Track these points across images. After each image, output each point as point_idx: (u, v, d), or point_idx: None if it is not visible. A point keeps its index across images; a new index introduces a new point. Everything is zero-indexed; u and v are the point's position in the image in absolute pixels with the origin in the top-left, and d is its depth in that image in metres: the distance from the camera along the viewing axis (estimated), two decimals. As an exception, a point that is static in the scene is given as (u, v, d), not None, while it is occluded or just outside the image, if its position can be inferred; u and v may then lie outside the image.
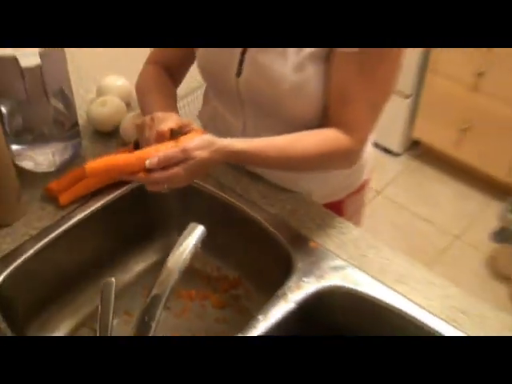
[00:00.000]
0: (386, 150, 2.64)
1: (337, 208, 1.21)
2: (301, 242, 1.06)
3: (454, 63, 2.27)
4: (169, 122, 0.97)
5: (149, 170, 0.91)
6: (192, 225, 0.77)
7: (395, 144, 2.60)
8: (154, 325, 0.73)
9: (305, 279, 1.00)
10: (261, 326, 0.92)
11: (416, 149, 2.68)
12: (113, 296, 0.84)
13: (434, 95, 2.39)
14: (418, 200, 2.47)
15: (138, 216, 1.13)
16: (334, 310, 1.03)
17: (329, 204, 1.20)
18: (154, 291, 0.74)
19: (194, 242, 0.77)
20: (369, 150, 1.22)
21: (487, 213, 2.36)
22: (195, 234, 0.77)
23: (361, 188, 1.28)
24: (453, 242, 2.30)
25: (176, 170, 0.92)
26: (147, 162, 0.91)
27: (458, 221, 2.40)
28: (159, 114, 1.00)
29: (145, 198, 1.12)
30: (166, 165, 0.91)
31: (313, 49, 1.01)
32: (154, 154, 0.92)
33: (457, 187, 2.49)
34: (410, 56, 2.31)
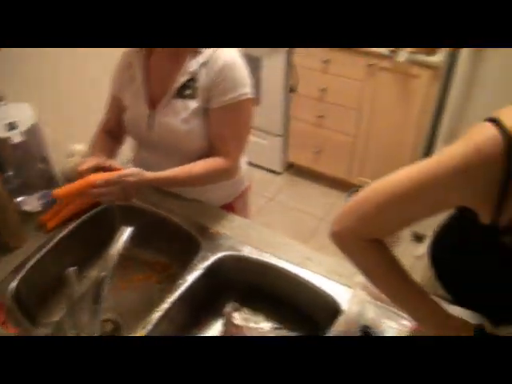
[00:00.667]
0: (272, 171, 2.81)
1: (228, 208, 1.28)
2: (205, 231, 1.13)
3: (303, 110, 2.44)
4: (85, 164, 1.07)
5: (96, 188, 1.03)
6: (123, 228, 0.82)
7: (277, 166, 2.82)
8: (102, 295, 0.76)
9: (208, 253, 1.06)
10: (182, 287, 0.98)
11: (291, 168, 2.84)
12: (75, 280, 0.87)
13: (296, 133, 2.59)
14: (297, 200, 2.71)
15: (100, 231, 1.18)
16: (228, 270, 1.08)
17: (223, 206, 1.28)
18: (101, 273, 0.77)
19: (125, 238, 0.81)
20: (244, 167, 1.31)
21: (340, 201, 2.61)
22: (126, 233, 0.82)
23: (243, 193, 1.35)
24: (319, 223, 2.48)
25: (114, 188, 1.03)
26: (97, 182, 1.02)
27: (323, 209, 2.53)
28: (82, 160, 1.12)
29: (103, 218, 1.20)
30: (107, 185, 1.02)
31: (195, 106, 1.08)
32: (99, 178, 1.03)
33: (320, 188, 2.76)
34: (277, 108, 2.49)
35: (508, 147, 0.60)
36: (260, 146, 2.67)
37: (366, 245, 0.77)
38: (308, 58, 2.23)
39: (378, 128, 2.26)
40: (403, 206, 0.71)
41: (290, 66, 2.31)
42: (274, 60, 2.31)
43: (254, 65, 2.31)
